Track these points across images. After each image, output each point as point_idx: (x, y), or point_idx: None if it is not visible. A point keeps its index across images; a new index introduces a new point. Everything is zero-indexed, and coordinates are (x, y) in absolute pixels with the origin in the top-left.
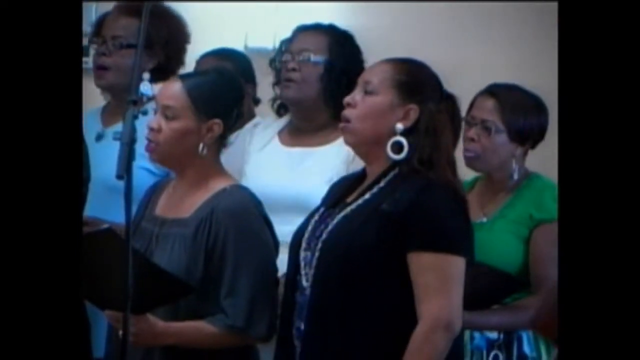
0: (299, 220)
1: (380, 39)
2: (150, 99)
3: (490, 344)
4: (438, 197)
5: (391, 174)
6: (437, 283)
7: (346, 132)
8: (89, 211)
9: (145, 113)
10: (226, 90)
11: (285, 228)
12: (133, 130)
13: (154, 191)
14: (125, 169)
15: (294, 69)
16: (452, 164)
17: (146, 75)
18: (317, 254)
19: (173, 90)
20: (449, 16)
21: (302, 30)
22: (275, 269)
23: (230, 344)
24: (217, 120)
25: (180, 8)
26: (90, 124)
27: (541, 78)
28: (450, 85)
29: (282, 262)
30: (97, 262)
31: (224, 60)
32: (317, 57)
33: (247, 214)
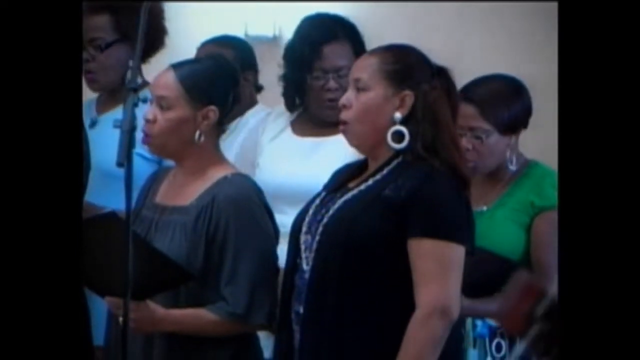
0: None
1: (377, 28)
2: (146, 83)
3: (493, 332)
4: (440, 185)
5: (394, 162)
6: (436, 269)
7: (347, 134)
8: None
9: (145, 100)
10: (220, 76)
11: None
12: (133, 118)
13: (155, 179)
14: (126, 157)
15: (337, 89)
16: (455, 142)
17: (131, 63)
18: (317, 237)
19: (166, 80)
20: (446, 5)
21: (325, 43)
22: (276, 257)
23: (230, 331)
24: (212, 107)
25: None
26: (85, 113)
27: (538, 65)
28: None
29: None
30: (97, 248)
31: (224, 48)
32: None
33: (248, 202)
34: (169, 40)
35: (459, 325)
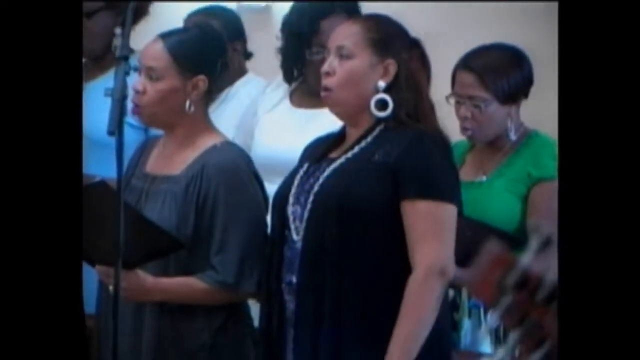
0: None
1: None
2: (131, 51)
3: None
4: (429, 147)
5: (377, 129)
6: (431, 230)
7: (329, 101)
8: None
9: (136, 69)
10: (208, 45)
11: None
12: (124, 86)
13: (144, 148)
14: (117, 125)
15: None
16: (433, 110)
17: (118, 31)
18: (309, 206)
19: (155, 50)
20: (446, 5)
21: (323, 18)
22: (266, 226)
23: (220, 300)
24: (201, 77)
25: None
26: None
27: (539, 64)
28: (437, 51)
29: None
30: (87, 217)
31: (211, 18)
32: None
33: (238, 171)
34: (158, 8)
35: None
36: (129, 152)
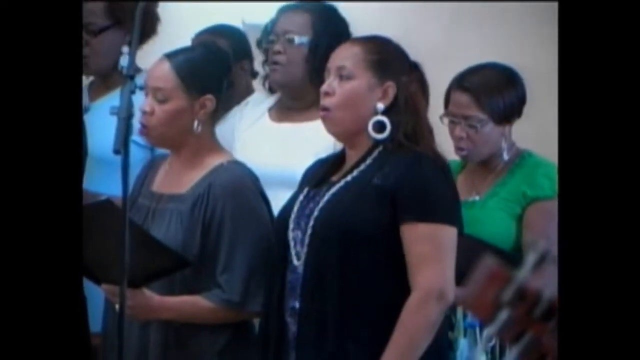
0: (287, 195)
1: (373, 20)
2: (138, 70)
3: None
4: (428, 169)
5: (376, 152)
6: (431, 253)
7: (327, 121)
8: None
9: (142, 88)
10: (214, 64)
11: (273, 203)
12: (130, 105)
13: (151, 167)
14: (123, 144)
15: (279, 52)
16: (431, 133)
17: (125, 49)
18: (309, 231)
19: (161, 71)
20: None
21: (284, 10)
22: (272, 245)
23: (225, 319)
24: (209, 96)
25: None
26: None
27: (534, 59)
28: (443, 68)
29: None
30: (93, 235)
31: (219, 37)
32: (301, 38)
33: (244, 190)
34: (164, 27)
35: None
36: (135, 171)
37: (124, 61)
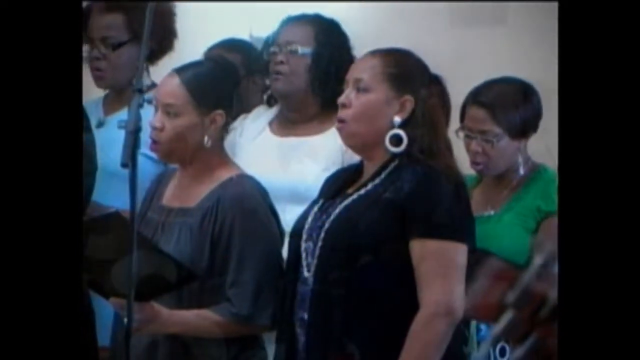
0: (293, 209)
1: (376, 29)
2: (152, 87)
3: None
4: (440, 185)
5: (391, 165)
6: (440, 270)
7: (343, 133)
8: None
9: (150, 102)
10: (224, 79)
11: (286, 216)
12: (138, 118)
13: (160, 181)
14: (130, 157)
15: (281, 62)
16: (449, 148)
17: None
18: (319, 243)
19: (172, 87)
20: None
21: (288, 22)
22: (281, 259)
23: (234, 333)
24: (219, 111)
25: None
26: (92, 113)
27: (540, 64)
28: (450, 75)
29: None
30: (102, 248)
31: (232, 52)
32: (304, 49)
33: (253, 204)
34: (182, 44)
35: (461, 325)
36: (146, 184)
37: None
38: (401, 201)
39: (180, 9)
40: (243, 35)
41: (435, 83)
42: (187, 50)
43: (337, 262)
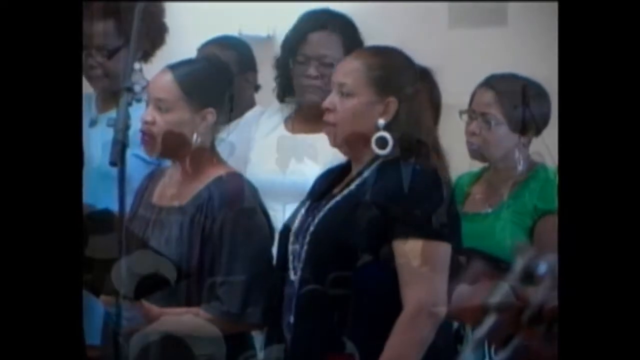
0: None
1: (377, 29)
2: (144, 87)
3: None
4: (422, 184)
5: (374, 165)
6: (422, 269)
7: (330, 136)
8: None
9: (139, 100)
10: (216, 77)
11: (287, 213)
12: (127, 117)
13: (151, 179)
14: (119, 156)
15: (316, 77)
16: (436, 146)
17: (137, 66)
18: (305, 247)
19: (164, 82)
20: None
21: (310, 31)
22: (271, 257)
23: (224, 331)
24: (210, 109)
25: None
26: (84, 110)
27: (540, 64)
28: (450, 75)
29: None
30: (92, 247)
31: (225, 49)
32: (337, 61)
33: (243, 202)
34: (175, 40)
35: (448, 326)
36: (137, 185)
37: (135, 78)
38: (382, 202)
39: (168, 7)
40: (232, 34)
41: (423, 79)
42: (179, 48)
43: (322, 265)
